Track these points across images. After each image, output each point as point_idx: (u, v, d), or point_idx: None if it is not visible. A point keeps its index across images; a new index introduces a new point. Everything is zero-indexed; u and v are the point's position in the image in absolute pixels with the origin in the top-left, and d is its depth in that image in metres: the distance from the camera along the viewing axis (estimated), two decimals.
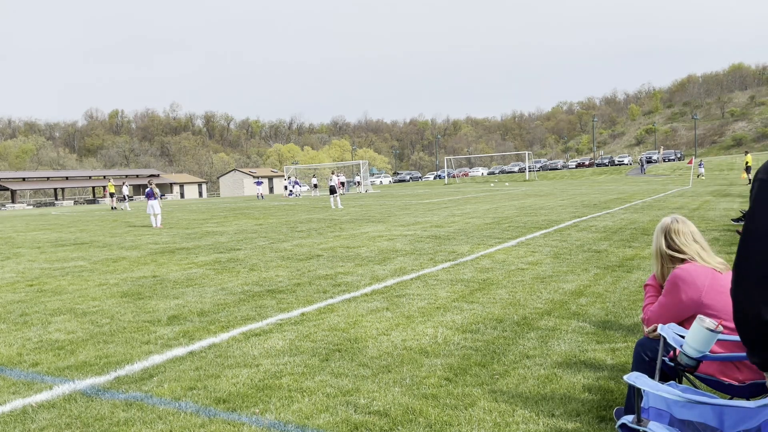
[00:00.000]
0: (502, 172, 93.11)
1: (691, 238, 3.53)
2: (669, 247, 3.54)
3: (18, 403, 4.31)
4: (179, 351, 5.43)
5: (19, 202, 72.50)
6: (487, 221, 17.45)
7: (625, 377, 2.81)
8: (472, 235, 14.01)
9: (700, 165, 51.77)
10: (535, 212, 20.12)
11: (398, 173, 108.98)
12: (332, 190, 30.63)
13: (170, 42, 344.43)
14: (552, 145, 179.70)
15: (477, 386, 4.29)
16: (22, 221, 29.28)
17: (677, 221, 3.58)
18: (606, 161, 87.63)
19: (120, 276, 9.93)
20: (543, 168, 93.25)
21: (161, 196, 21.75)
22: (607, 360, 4.75)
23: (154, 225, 20.94)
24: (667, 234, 3.56)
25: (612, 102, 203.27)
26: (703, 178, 48.04)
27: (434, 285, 8.09)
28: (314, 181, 59.10)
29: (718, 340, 2.96)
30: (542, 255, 10.39)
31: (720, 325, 2.81)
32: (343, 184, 47.62)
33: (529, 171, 76.95)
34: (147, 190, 22.24)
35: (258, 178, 63.85)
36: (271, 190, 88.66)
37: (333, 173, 33.02)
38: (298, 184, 55.91)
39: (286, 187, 57.15)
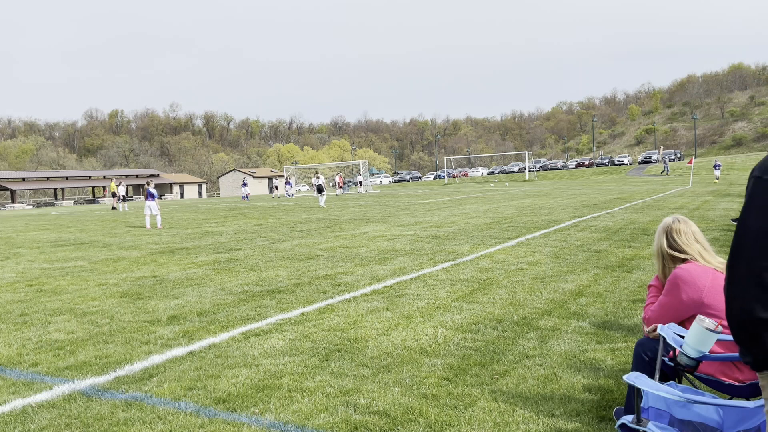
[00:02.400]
0: (502, 172, 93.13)
1: (692, 238, 3.53)
2: (670, 246, 3.54)
3: (18, 403, 4.30)
4: (179, 351, 5.43)
5: (18, 202, 72.49)
6: (486, 221, 17.45)
7: (624, 377, 2.81)
8: (472, 235, 14.01)
9: (716, 167, 45.12)
10: (535, 212, 20.12)
11: (398, 173, 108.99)
12: (319, 189, 32.11)
13: (170, 41, 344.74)
14: (552, 145, 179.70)
15: (477, 386, 4.29)
16: (21, 221, 29.27)
17: (678, 221, 3.58)
18: (606, 161, 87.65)
19: (120, 276, 9.93)
20: (543, 168, 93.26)
21: (154, 197, 21.27)
22: (607, 360, 4.75)
23: (147, 226, 20.36)
24: (669, 234, 3.56)
25: (612, 102, 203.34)
26: (717, 181, 41.39)
27: (434, 285, 8.09)
28: (314, 180, 59.13)
29: (718, 340, 2.97)
30: (542, 255, 10.39)
31: (720, 325, 2.81)
32: (322, 187, 47.35)
33: (529, 171, 76.95)
34: (147, 190, 21.72)
35: (243, 179, 64.09)
36: (270, 189, 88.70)
37: (317, 173, 34.62)
38: (289, 184, 55.94)
39: (285, 186, 57.11)
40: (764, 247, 1.66)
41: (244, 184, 53.70)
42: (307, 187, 63.94)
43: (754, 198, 1.72)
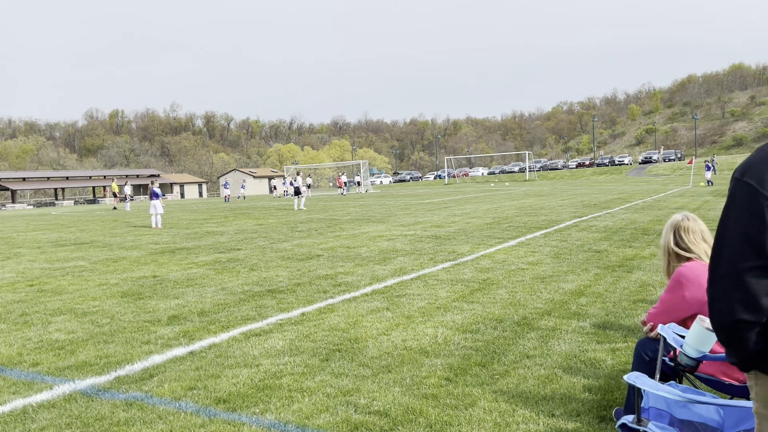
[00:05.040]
0: (503, 172, 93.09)
1: (700, 237, 3.48)
2: (677, 244, 3.49)
3: (18, 403, 4.31)
4: (179, 351, 5.43)
5: (19, 202, 72.49)
6: (487, 221, 17.45)
7: (625, 377, 2.81)
8: (473, 235, 14.01)
9: (707, 168, 38.32)
10: (536, 212, 20.12)
11: (398, 173, 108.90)
12: (297, 191, 31.58)
13: (170, 42, 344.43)
14: (552, 145, 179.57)
15: (477, 386, 4.29)
16: (22, 221, 29.28)
17: (688, 219, 3.53)
18: (606, 161, 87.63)
19: (120, 276, 9.93)
20: (543, 168, 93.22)
21: (159, 196, 21.34)
22: (607, 360, 4.75)
23: (153, 225, 20.69)
24: (677, 231, 3.51)
25: (612, 102, 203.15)
26: (703, 185, 35.42)
27: (434, 285, 8.09)
28: (309, 181, 59.20)
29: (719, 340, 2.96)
30: (542, 255, 10.39)
31: None
32: (309, 186, 47.41)
33: (530, 171, 76.94)
34: (151, 189, 21.84)
35: (225, 180, 64.86)
36: (270, 189, 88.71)
37: (298, 174, 34.19)
38: (293, 184, 55.91)
39: (281, 186, 57.33)
40: (744, 248, 1.66)
41: (225, 185, 54.63)
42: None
43: (734, 200, 1.72)
